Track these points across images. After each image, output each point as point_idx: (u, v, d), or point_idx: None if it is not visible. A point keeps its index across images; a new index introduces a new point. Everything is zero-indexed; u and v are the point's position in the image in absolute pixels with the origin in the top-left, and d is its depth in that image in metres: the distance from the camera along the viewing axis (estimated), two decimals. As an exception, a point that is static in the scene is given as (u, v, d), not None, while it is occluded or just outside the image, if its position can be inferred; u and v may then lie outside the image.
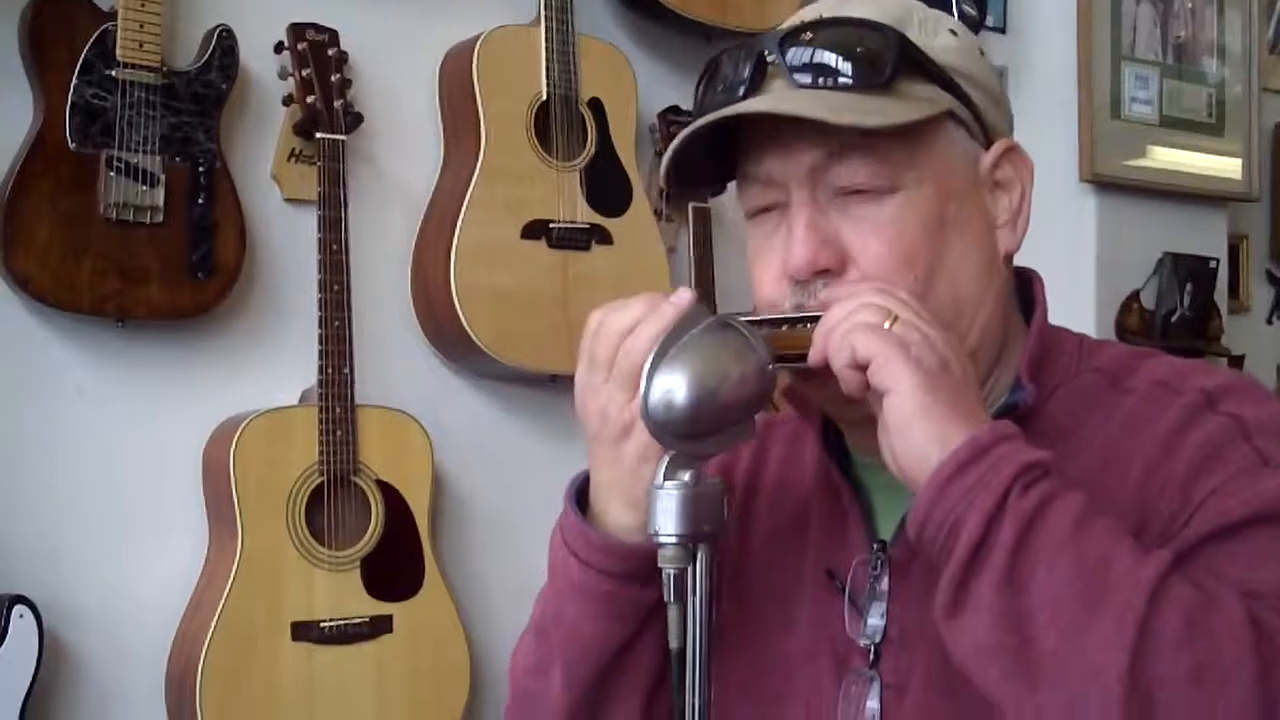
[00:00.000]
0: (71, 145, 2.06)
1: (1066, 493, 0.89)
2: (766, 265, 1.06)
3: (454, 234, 2.38)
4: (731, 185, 1.14)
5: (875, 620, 1.05)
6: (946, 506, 0.89)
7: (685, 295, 0.99)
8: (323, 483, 2.19)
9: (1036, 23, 3.27)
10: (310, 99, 2.26)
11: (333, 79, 2.28)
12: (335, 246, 2.23)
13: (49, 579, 2.11)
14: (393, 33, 2.49)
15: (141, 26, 2.10)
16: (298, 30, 2.28)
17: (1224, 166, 3.41)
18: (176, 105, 2.14)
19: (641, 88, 2.64)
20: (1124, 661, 0.82)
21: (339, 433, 2.20)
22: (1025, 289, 1.13)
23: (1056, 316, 1.12)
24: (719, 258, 2.70)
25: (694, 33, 2.70)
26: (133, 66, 2.10)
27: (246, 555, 2.12)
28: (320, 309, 2.21)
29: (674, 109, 2.72)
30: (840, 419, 1.10)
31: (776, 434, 1.22)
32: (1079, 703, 0.84)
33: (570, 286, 2.47)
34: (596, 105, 2.55)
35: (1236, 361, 3.44)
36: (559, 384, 2.52)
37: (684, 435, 0.93)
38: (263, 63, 2.31)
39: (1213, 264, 3.35)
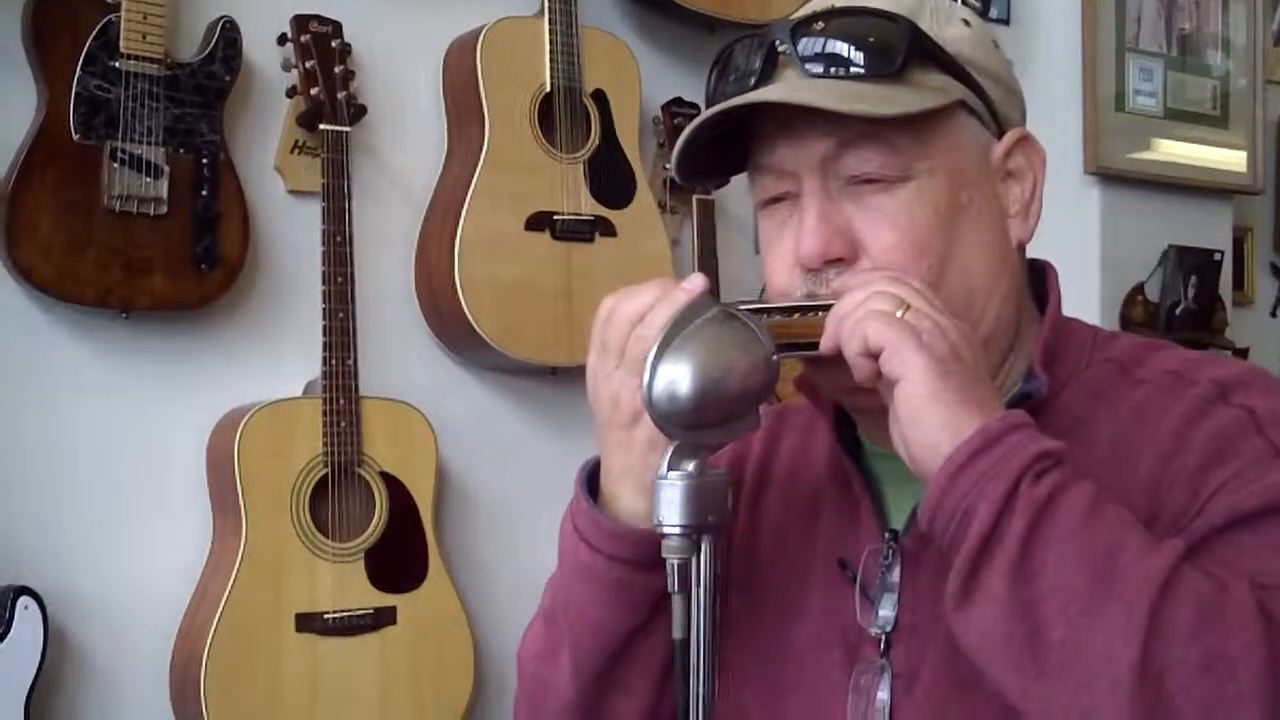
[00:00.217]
0: (75, 137, 2.05)
1: (1078, 482, 0.89)
2: (778, 255, 1.06)
3: (458, 226, 2.38)
4: (736, 177, 1.14)
5: (886, 610, 1.05)
6: (958, 495, 0.89)
7: (698, 281, 1.00)
8: (327, 474, 2.20)
9: (1041, 15, 3.26)
10: (314, 91, 2.26)
11: (336, 71, 2.28)
12: (339, 238, 2.23)
13: (53, 570, 2.11)
14: (396, 24, 2.49)
15: (145, 18, 2.10)
16: (301, 22, 2.28)
17: (1228, 159, 3.40)
18: (180, 97, 2.14)
19: (645, 79, 2.64)
20: (1134, 650, 0.82)
21: (343, 424, 2.20)
22: (1039, 280, 1.13)
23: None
24: (723, 250, 2.70)
25: (697, 24, 2.70)
26: (136, 58, 2.09)
27: (251, 547, 2.12)
28: (324, 301, 2.21)
29: (677, 101, 2.72)
30: (852, 408, 1.10)
31: (789, 423, 1.22)
32: (1088, 691, 0.84)
33: (574, 278, 2.47)
34: (600, 97, 2.55)
35: (1240, 354, 3.43)
36: (562, 376, 2.52)
37: (688, 426, 0.93)
38: (266, 54, 2.30)
39: (1217, 256, 3.35)
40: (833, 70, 1.02)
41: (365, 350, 2.26)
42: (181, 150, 2.14)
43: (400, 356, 2.46)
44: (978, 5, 3.01)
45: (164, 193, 2.11)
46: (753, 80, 1.04)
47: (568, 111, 2.50)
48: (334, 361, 2.20)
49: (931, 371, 0.91)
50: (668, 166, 2.69)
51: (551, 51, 2.48)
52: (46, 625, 1.99)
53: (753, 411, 0.97)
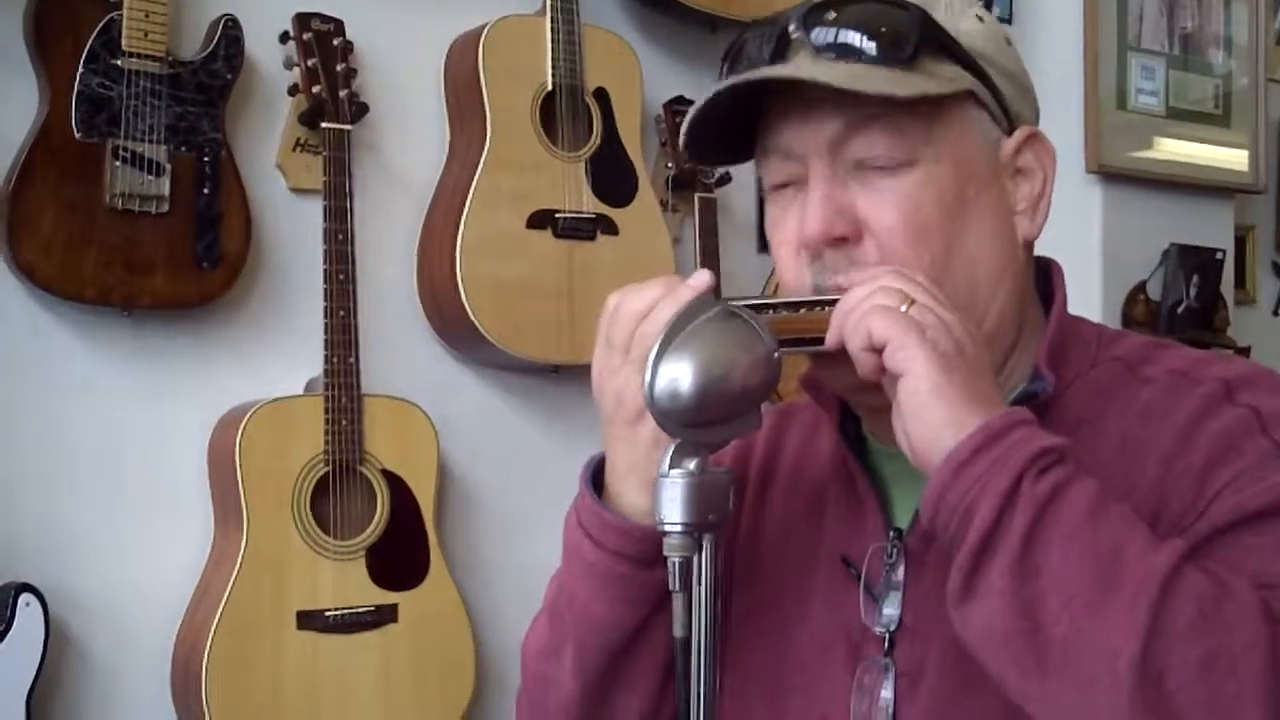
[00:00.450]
0: (77, 135, 2.06)
1: (1081, 479, 0.89)
2: (783, 240, 1.07)
3: (459, 224, 2.38)
4: (737, 177, 1.14)
5: (890, 609, 1.05)
6: (960, 491, 0.89)
7: (703, 277, 1.00)
8: (328, 472, 2.20)
9: (1042, 13, 3.26)
10: (316, 88, 2.26)
11: (338, 68, 2.28)
12: (340, 236, 2.23)
13: (55, 567, 2.11)
14: (398, 22, 2.49)
15: (147, 16, 2.10)
16: (303, 20, 2.28)
17: (1230, 158, 3.40)
18: (182, 95, 2.14)
19: (647, 78, 2.63)
20: (1135, 648, 0.82)
21: (344, 422, 2.20)
22: (1044, 278, 1.13)
23: (1062, 308, 1.11)
24: (725, 248, 2.70)
25: (699, 22, 2.70)
26: (138, 56, 2.10)
27: (252, 544, 2.12)
28: (325, 299, 2.21)
29: (679, 99, 2.72)
30: (857, 404, 1.10)
31: (794, 421, 1.22)
32: (1089, 688, 0.84)
33: (575, 277, 2.47)
34: (602, 95, 2.55)
35: (1242, 353, 3.43)
36: (564, 374, 2.52)
37: (689, 424, 0.93)
38: (268, 52, 2.30)
39: (1219, 255, 3.35)
40: (845, 56, 1.01)
41: (367, 348, 2.26)
42: (183, 148, 2.14)
43: (402, 354, 2.46)
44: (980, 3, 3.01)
45: (166, 191, 2.11)
46: (764, 65, 1.04)
47: (569, 110, 2.50)
48: (335, 359, 2.20)
49: (935, 366, 0.91)
50: (670, 165, 2.71)
51: (553, 50, 2.48)
52: (48, 622, 1.99)
53: (754, 410, 0.97)
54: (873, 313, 0.93)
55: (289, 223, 2.35)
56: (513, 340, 2.41)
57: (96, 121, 2.07)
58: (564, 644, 1.10)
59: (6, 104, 2.10)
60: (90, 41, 2.06)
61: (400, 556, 2.26)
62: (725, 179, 2.73)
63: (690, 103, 2.70)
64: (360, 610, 2.21)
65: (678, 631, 0.94)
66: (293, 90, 2.29)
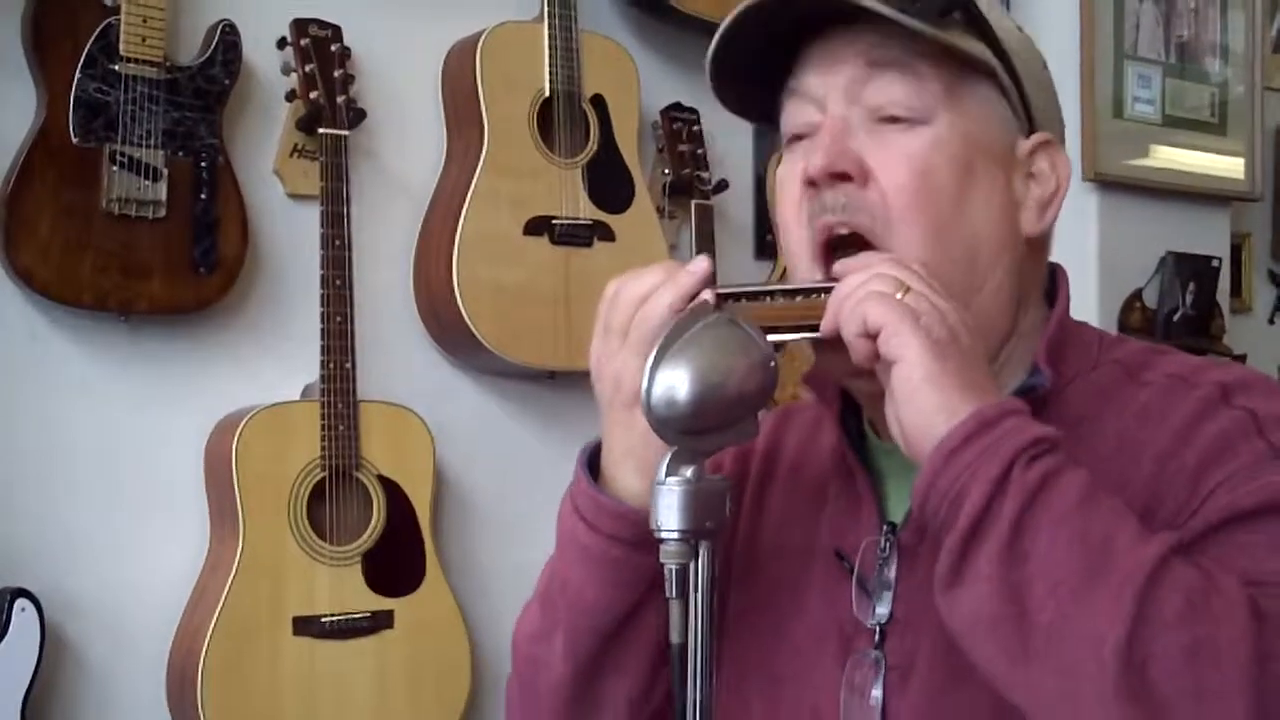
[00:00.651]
0: (74, 139, 2.06)
1: (1071, 470, 0.89)
2: (789, 192, 1.07)
3: (456, 230, 2.38)
4: (734, 184, 1.14)
5: (882, 602, 1.06)
6: (950, 477, 0.89)
7: (702, 264, 1.01)
8: (324, 478, 2.20)
9: (1039, 21, 3.25)
10: (313, 94, 2.26)
11: (336, 74, 2.28)
12: (338, 242, 2.23)
13: (51, 572, 2.11)
14: (396, 28, 2.49)
15: (145, 21, 2.10)
16: (301, 25, 2.28)
17: (1226, 166, 3.40)
18: (179, 100, 2.14)
19: (644, 84, 2.64)
20: (1121, 634, 0.82)
21: (341, 428, 2.20)
22: (1051, 283, 1.14)
23: (1059, 315, 1.12)
24: (722, 255, 2.70)
25: (696, 29, 2.70)
26: (136, 61, 2.10)
27: (248, 550, 2.12)
28: (322, 304, 2.21)
29: (676, 106, 2.72)
30: (858, 391, 1.10)
31: (795, 421, 1.23)
32: (1074, 675, 0.84)
33: (572, 283, 2.47)
34: (599, 102, 2.55)
35: (1238, 360, 3.44)
36: (560, 380, 2.52)
37: (686, 431, 0.93)
38: (266, 58, 2.31)
39: (1215, 263, 3.35)
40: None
41: (363, 354, 2.26)
42: (180, 153, 2.14)
43: (398, 360, 2.46)
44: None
45: (163, 196, 2.11)
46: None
47: (567, 116, 2.50)
48: (332, 365, 2.20)
49: (929, 353, 0.91)
50: (666, 172, 2.71)
51: (551, 56, 2.48)
52: (43, 627, 1.99)
53: (751, 417, 0.97)
54: (868, 299, 0.94)
55: (286, 228, 2.35)
56: (509, 346, 2.41)
57: (94, 126, 2.07)
58: (555, 627, 1.11)
59: (4, 108, 2.10)
60: (88, 46, 2.06)
61: (396, 562, 2.26)
62: (722, 185, 2.73)
63: (688, 109, 2.72)
64: (356, 616, 2.20)
65: (674, 638, 0.94)
66: (290, 96, 2.29)
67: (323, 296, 2.21)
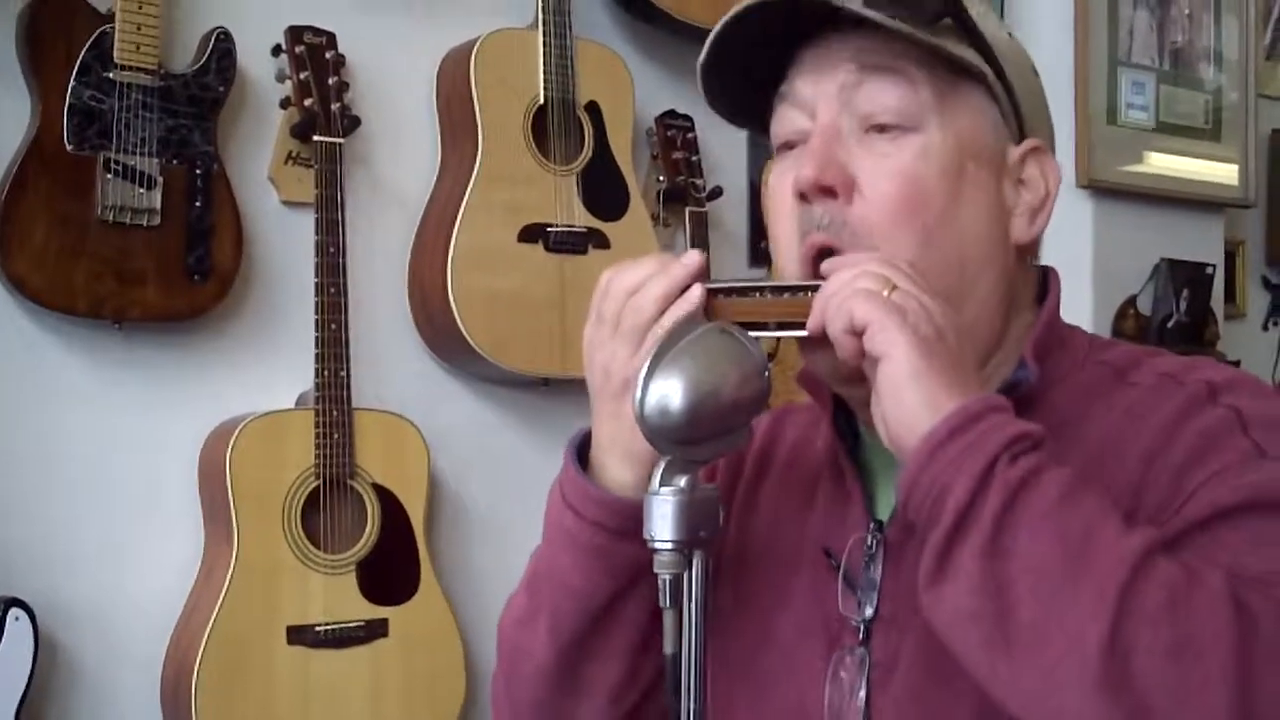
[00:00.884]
0: (68, 147, 2.06)
1: (1055, 466, 0.89)
2: (781, 201, 1.07)
3: (451, 237, 2.38)
4: (728, 191, 1.14)
5: (868, 599, 1.06)
6: (934, 472, 0.89)
7: (694, 257, 1.01)
8: (319, 486, 2.19)
9: (1032, 27, 3.26)
10: (307, 102, 2.26)
11: (330, 82, 2.28)
12: (332, 249, 2.23)
13: (44, 581, 2.10)
14: (390, 36, 2.49)
15: (139, 28, 2.10)
16: (295, 33, 2.28)
17: (1220, 172, 3.41)
18: (174, 107, 2.14)
19: (639, 92, 2.64)
20: (1103, 631, 0.82)
21: (335, 436, 2.20)
22: (1042, 287, 1.14)
23: (1053, 321, 1.12)
24: (716, 262, 2.70)
25: (692, 37, 2.70)
26: (130, 69, 2.10)
27: (242, 558, 2.12)
28: (317, 312, 2.21)
29: (671, 113, 2.72)
30: (849, 397, 1.10)
31: (790, 421, 1.23)
32: (1055, 671, 0.84)
33: (567, 290, 2.47)
34: (594, 109, 2.55)
35: (1232, 367, 3.44)
36: (555, 387, 2.52)
37: (680, 440, 0.93)
38: (260, 65, 2.31)
39: (1209, 270, 3.35)
40: (873, 4, 1.02)
41: (358, 361, 2.26)
42: (175, 161, 2.14)
43: (393, 368, 2.46)
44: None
45: (157, 203, 2.11)
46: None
47: (561, 123, 2.50)
48: (326, 373, 2.20)
49: (915, 350, 0.91)
50: (661, 179, 2.71)
51: (545, 63, 2.48)
52: (37, 637, 1.98)
53: (744, 426, 0.97)
54: (855, 296, 0.94)
55: (280, 236, 2.35)
56: (504, 353, 2.41)
57: (88, 134, 2.07)
58: (540, 610, 1.11)
59: (-2, 116, 2.10)
60: (82, 54, 2.06)
61: (391, 571, 2.26)
62: (716, 193, 2.73)
63: (682, 116, 2.72)
64: (351, 625, 2.20)
65: (668, 648, 0.94)
66: (285, 103, 2.29)
67: (317, 304, 2.21)
